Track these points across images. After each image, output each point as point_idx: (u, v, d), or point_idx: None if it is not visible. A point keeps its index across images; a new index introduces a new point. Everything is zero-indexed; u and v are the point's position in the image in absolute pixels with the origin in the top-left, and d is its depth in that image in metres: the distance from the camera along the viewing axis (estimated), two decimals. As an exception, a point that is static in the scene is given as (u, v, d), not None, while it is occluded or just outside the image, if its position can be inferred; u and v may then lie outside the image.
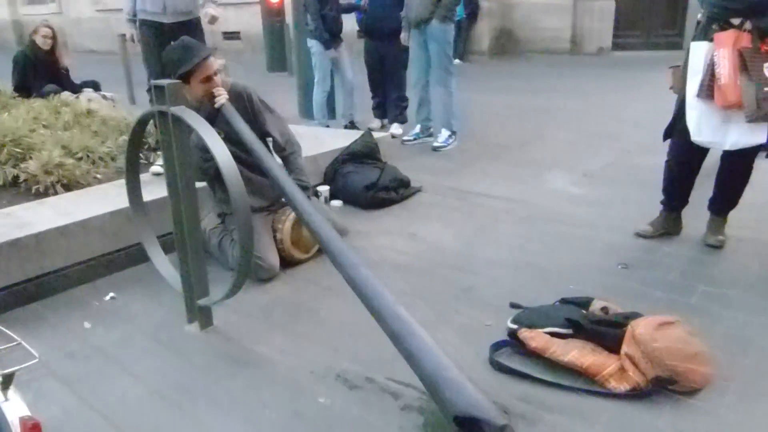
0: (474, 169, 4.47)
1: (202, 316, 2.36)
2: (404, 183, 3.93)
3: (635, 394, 1.88)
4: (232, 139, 2.56)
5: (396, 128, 5.58)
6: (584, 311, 2.27)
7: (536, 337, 2.08)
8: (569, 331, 2.10)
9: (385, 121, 5.77)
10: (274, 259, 2.80)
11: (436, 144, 5.07)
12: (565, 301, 2.39)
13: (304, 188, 2.93)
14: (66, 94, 5.42)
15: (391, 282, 2.69)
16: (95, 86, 6.02)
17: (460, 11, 12.15)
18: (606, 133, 5.42)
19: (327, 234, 2.15)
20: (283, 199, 2.87)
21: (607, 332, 2.05)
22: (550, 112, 6.44)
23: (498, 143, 5.22)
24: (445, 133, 5.10)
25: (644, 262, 2.84)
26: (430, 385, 1.74)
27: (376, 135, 4.29)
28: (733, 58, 2.48)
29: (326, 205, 3.75)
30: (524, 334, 2.11)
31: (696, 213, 3.06)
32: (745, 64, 2.45)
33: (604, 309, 2.28)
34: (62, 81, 5.75)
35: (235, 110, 2.61)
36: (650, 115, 4.75)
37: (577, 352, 2.00)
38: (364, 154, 3.99)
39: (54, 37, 5.70)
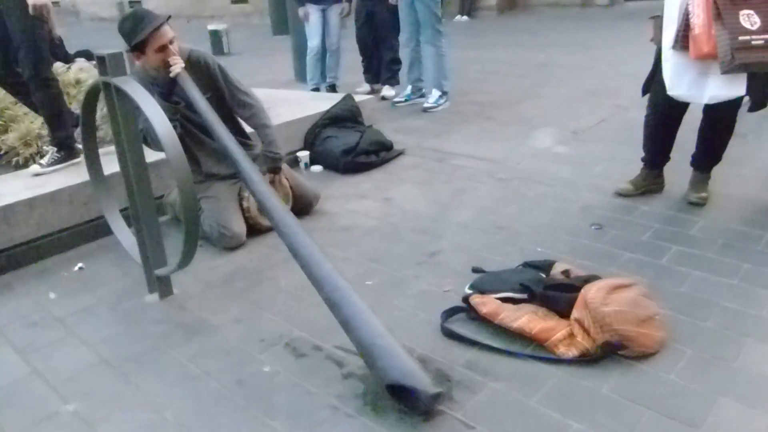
0: (461, 129, 4.36)
1: (161, 285, 2.36)
2: (386, 146, 3.85)
3: (584, 360, 1.83)
4: (193, 108, 2.54)
5: (387, 90, 5.47)
6: (544, 275, 2.22)
7: (487, 303, 2.03)
8: (524, 296, 2.06)
9: (377, 85, 5.65)
10: (239, 228, 2.77)
11: (426, 105, 4.96)
12: (527, 265, 2.34)
13: (275, 159, 2.89)
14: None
15: (356, 247, 2.69)
16: (88, 56, 5.97)
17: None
18: (604, 89, 5.24)
19: (271, 203, 2.13)
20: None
21: (559, 297, 1.99)
22: (549, 68, 6.25)
23: (491, 102, 5.09)
24: (435, 94, 4.98)
25: (619, 222, 2.76)
26: (365, 354, 1.73)
27: (358, 98, 4.20)
28: (708, 6, 2.33)
29: (305, 170, 3.72)
30: (476, 299, 2.07)
31: (681, 170, 2.96)
32: (719, 12, 2.31)
33: (565, 272, 2.22)
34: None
35: (191, 81, 2.53)
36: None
37: (527, 318, 1.95)
38: (345, 117, 3.91)
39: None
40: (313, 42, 5.40)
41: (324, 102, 4.07)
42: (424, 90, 5.18)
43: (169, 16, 2.60)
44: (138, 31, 2.51)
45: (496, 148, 3.90)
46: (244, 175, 2.23)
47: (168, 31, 2.58)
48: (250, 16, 13.64)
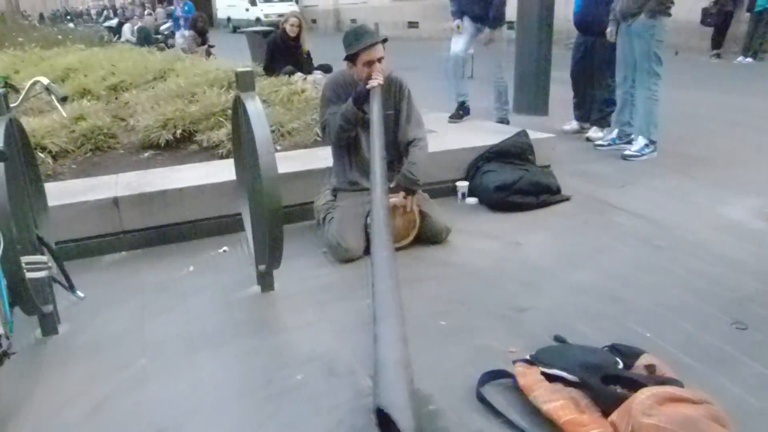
0: (649, 184, 3.88)
1: (262, 280, 2.62)
2: (549, 189, 3.63)
3: (607, 472, 1.55)
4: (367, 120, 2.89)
5: (594, 132, 5.09)
6: (622, 364, 1.91)
7: (528, 375, 1.83)
8: (575, 379, 1.80)
9: (587, 125, 5.29)
10: (355, 243, 2.91)
11: (627, 152, 4.51)
12: (613, 348, 2.03)
13: (412, 181, 2.97)
14: (298, 75, 6.25)
15: (452, 284, 2.63)
16: (327, 69, 6.76)
17: (762, 0, 10.25)
18: None
19: (378, 227, 2.28)
20: (391, 185, 2.97)
21: (609, 392, 1.70)
22: (811, 129, 5.15)
23: (704, 157, 4.41)
24: (641, 142, 4.49)
25: (776, 327, 2.21)
26: (376, 371, 1.73)
27: (535, 135, 4.01)
28: None
29: (460, 200, 3.70)
30: (519, 368, 1.88)
31: None
32: None
33: (650, 367, 1.88)
34: (301, 63, 6.61)
35: (379, 97, 2.83)
36: None
37: (562, 404, 1.71)
38: (512, 153, 3.78)
39: (300, 26, 6.57)
40: (458, 47, 5.00)
41: (496, 135, 3.99)
42: (632, 136, 4.71)
43: (386, 39, 2.96)
44: (354, 45, 2.89)
45: (676, 211, 3.39)
46: (372, 191, 2.40)
47: (379, 51, 2.91)
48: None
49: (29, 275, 1.95)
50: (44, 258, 2.06)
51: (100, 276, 2.84)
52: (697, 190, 3.73)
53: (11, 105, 2.12)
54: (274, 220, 2.22)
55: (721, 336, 2.16)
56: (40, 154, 3.77)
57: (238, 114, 2.66)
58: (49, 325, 2.28)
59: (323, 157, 3.67)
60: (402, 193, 2.97)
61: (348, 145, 3.06)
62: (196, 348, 2.21)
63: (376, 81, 2.85)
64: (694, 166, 4.22)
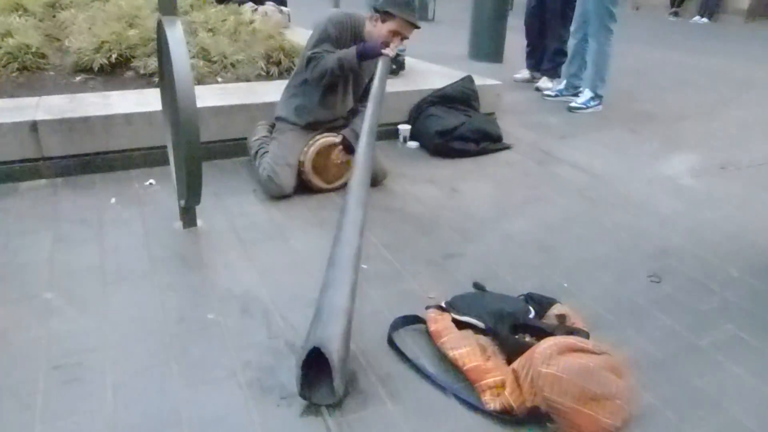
0: (592, 137, 3.89)
1: (184, 216, 2.52)
2: (491, 136, 3.60)
3: (505, 417, 1.57)
4: (359, 77, 2.95)
5: (544, 82, 5.06)
6: (535, 312, 1.93)
7: (439, 321, 1.83)
8: (482, 325, 1.81)
9: (537, 74, 5.24)
10: (287, 180, 2.82)
11: (572, 104, 4.50)
12: (528, 297, 2.04)
13: (356, 136, 2.88)
14: (248, 5, 5.94)
15: (382, 229, 2.59)
16: (281, 1, 6.45)
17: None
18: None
19: (359, 176, 2.12)
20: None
21: (514, 341, 1.71)
22: (756, 88, 5.22)
23: (650, 113, 4.45)
24: (587, 94, 4.49)
25: (690, 282, 2.26)
26: (315, 313, 1.69)
27: (481, 81, 3.94)
28: None
29: (402, 144, 3.64)
30: (431, 314, 1.87)
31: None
32: None
33: (561, 317, 1.90)
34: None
35: (388, 65, 2.70)
36: None
37: (468, 351, 1.71)
38: (456, 99, 3.72)
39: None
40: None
41: (443, 79, 3.90)
42: (580, 89, 4.69)
43: (420, 27, 2.82)
44: (400, 10, 2.70)
45: (614, 164, 3.41)
46: (365, 130, 2.29)
47: (410, 31, 2.78)
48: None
49: None
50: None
51: (15, 203, 2.69)
52: (637, 145, 3.76)
53: None
54: (191, 154, 2.11)
55: (636, 289, 2.20)
56: (-43, 72, 3.50)
57: (161, 40, 2.50)
58: (-52, 253, 2.15)
59: (262, 93, 3.53)
60: (340, 137, 2.89)
61: (330, 84, 2.90)
62: (106, 282, 2.12)
63: (392, 52, 2.71)
64: (638, 121, 4.25)
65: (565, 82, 4.79)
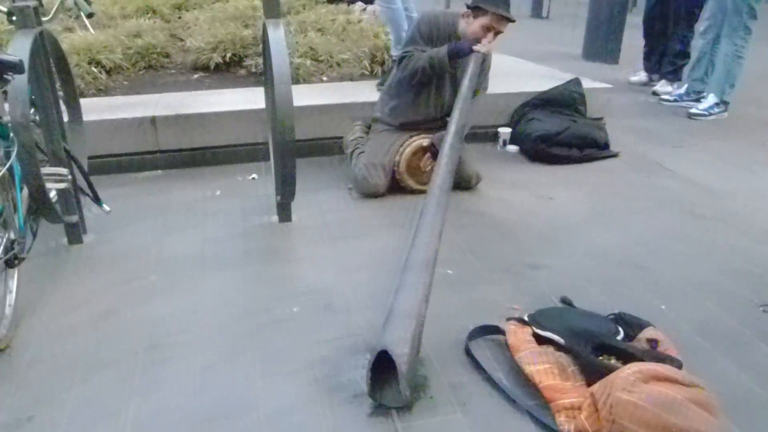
0: (712, 148, 3.60)
1: (281, 210, 2.63)
2: (596, 143, 3.43)
3: (578, 442, 1.50)
4: (454, 77, 2.87)
5: (663, 86, 4.74)
6: (624, 335, 1.82)
7: (518, 334, 1.78)
8: (562, 341, 1.74)
9: (656, 76, 4.92)
10: (379, 180, 2.86)
11: (693, 110, 4.18)
12: (618, 318, 1.93)
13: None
14: (359, 5, 6.07)
15: (470, 233, 2.56)
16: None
17: None
18: None
19: (440, 179, 2.12)
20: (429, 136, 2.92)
21: (594, 362, 1.63)
22: None
23: (783, 125, 4.03)
24: (711, 100, 4.15)
25: (808, 315, 2.03)
26: (387, 316, 1.70)
27: (590, 84, 3.76)
28: None
29: (501, 147, 3.57)
30: (511, 327, 1.83)
31: None
32: None
33: (652, 341, 1.79)
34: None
35: (479, 63, 2.69)
36: None
37: (546, 368, 1.66)
38: (561, 102, 3.58)
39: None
40: None
41: (549, 81, 3.77)
42: (703, 94, 4.35)
43: (515, 21, 2.75)
44: (488, 3, 2.69)
45: (732, 179, 3.14)
46: (450, 132, 2.31)
47: (504, 26, 2.73)
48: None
49: (49, 186, 2.03)
50: (64, 170, 2.13)
51: (132, 191, 2.94)
52: (762, 159, 3.43)
53: (43, 19, 2.16)
54: (286, 152, 2.20)
55: (742, 317, 2.02)
56: (94, 69, 3.88)
57: (265, 41, 2.61)
58: (74, 234, 2.40)
59: (365, 91, 3.60)
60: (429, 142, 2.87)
61: (422, 84, 2.90)
62: (205, 269, 2.27)
63: (485, 48, 2.68)
64: (766, 131, 3.87)
65: (686, 86, 4.47)
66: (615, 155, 3.45)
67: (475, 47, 2.66)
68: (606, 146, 3.48)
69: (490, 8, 2.66)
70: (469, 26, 2.75)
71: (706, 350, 1.86)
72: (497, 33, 2.73)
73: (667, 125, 4.02)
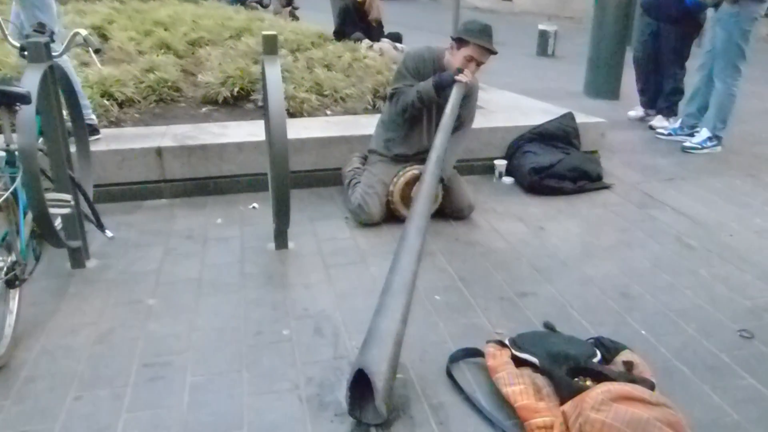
0: (704, 181, 3.66)
1: (278, 237, 2.73)
2: (588, 176, 3.51)
3: (551, 460, 1.55)
4: (436, 102, 2.94)
5: (659, 121, 4.81)
6: (602, 358, 1.88)
7: (497, 357, 1.84)
8: (538, 363, 1.79)
9: (652, 111, 5.00)
10: (376, 209, 2.96)
11: (687, 144, 4.26)
12: (598, 341, 1.99)
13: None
14: (365, 42, 6.28)
15: (461, 262, 2.63)
16: (396, 38, 6.73)
17: None
18: None
19: (419, 206, 2.21)
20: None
21: (567, 383, 1.68)
22: None
23: (772, 158, 4.09)
24: (704, 134, 4.23)
25: (787, 342, 2.07)
26: (366, 336, 1.78)
27: (582, 119, 3.86)
28: None
29: (497, 179, 3.65)
30: (490, 349, 1.89)
31: None
32: None
33: (628, 364, 1.84)
34: (371, 31, 6.62)
35: (461, 92, 2.79)
36: None
37: (521, 388, 1.71)
38: (556, 136, 3.68)
39: (369, -4, 6.56)
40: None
41: (545, 116, 3.87)
42: (697, 128, 4.43)
43: (496, 52, 2.89)
44: (473, 35, 2.84)
45: (722, 211, 3.20)
46: (431, 160, 2.42)
47: (486, 57, 2.88)
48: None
49: (52, 211, 2.13)
50: (68, 196, 2.24)
51: (137, 219, 3.05)
52: (752, 192, 3.49)
53: (53, 54, 2.30)
54: (280, 182, 2.30)
55: (721, 344, 2.06)
56: (106, 102, 4.04)
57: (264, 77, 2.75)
58: (77, 258, 2.50)
59: (364, 126, 3.72)
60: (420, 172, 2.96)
61: (414, 117, 3.02)
62: (202, 294, 2.36)
63: (466, 78, 2.81)
64: (759, 166, 3.94)
65: (681, 120, 4.55)
66: (607, 187, 3.52)
67: (458, 77, 2.79)
68: (599, 178, 3.56)
69: (472, 40, 2.82)
70: (453, 57, 2.89)
71: (683, 374, 1.90)
72: (479, 64, 2.87)
73: (661, 158, 4.09)
